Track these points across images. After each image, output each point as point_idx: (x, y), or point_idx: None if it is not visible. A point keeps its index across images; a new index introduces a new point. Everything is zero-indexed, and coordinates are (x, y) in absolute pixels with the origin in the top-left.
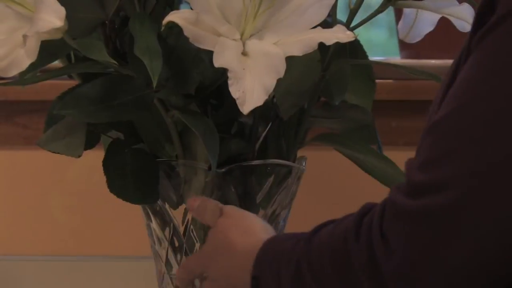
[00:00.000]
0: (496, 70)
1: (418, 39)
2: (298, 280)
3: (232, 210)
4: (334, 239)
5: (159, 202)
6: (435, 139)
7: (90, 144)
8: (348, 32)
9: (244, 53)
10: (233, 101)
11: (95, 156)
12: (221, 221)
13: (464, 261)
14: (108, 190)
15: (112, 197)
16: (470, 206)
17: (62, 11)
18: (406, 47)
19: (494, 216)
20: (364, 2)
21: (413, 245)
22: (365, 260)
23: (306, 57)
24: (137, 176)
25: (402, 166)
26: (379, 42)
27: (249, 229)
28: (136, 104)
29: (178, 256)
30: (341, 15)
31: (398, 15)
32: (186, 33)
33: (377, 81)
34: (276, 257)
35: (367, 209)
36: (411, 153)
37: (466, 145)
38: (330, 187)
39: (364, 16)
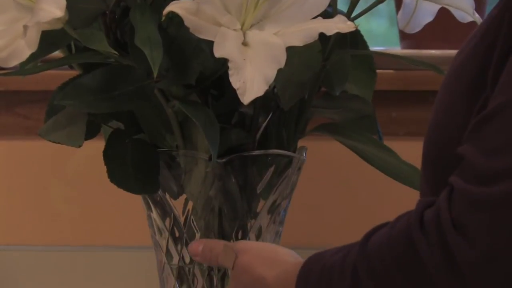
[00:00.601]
0: None
1: (417, 29)
2: None
3: (246, 245)
4: (394, 239)
5: (160, 192)
6: (500, 125)
7: (90, 134)
8: (349, 22)
9: (244, 44)
10: (233, 92)
11: (96, 146)
12: (239, 260)
13: None
14: (108, 180)
15: (113, 187)
16: None
17: (62, 1)
18: (406, 37)
19: None
20: None
21: (497, 232)
22: (438, 254)
23: (307, 47)
24: (137, 166)
25: (402, 156)
26: (380, 32)
27: (274, 258)
28: (137, 95)
29: (179, 246)
30: (342, 6)
31: (399, 5)
32: (186, 23)
33: (377, 71)
34: (325, 272)
35: (424, 206)
36: (411, 143)
37: None
38: (331, 177)
39: (365, 6)
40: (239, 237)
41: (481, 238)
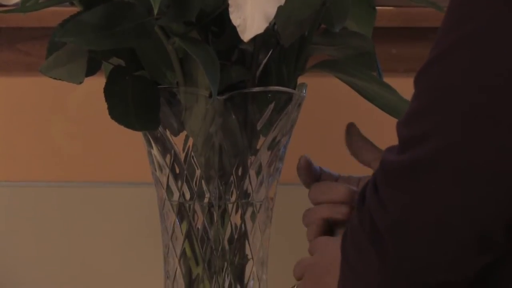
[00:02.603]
0: (462, 19)
1: None
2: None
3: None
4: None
5: (160, 129)
6: (415, 92)
7: (91, 70)
8: None
9: None
10: (234, 29)
11: (97, 83)
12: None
13: (448, 210)
14: (109, 116)
15: (114, 123)
16: (449, 154)
17: None
18: None
19: (473, 163)
20: None
21: (401, 199)
22: (366, 220)
23: None
24: (138, 102)
25: (402, 93)
26: None
27: None
28: (137, 32)
29: (179, 183)
30: None
31: None
32: None
33: (377, 8)
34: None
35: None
36: (411, 80)
37: (440, 96)
38: (330, 113)
39: None
40: (239, 173)
41: (391, 206)
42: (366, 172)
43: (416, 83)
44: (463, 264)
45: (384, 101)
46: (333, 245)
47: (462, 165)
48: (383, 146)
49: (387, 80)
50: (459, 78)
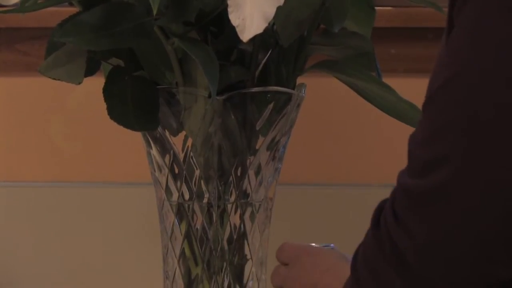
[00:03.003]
0: (477, 36)
1: None
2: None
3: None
4: (366, 235)
5: (159, 129)
6: (431, 113)
7: (90, 71)
8: None
9: None
10: (233, 29)
11: (96, 83)
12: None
13: (478, 232)
14: (108, 116)
15: (113, 123)
16: (471, 174)
17: None
18: None
19: (495, 182)
20: None
21: (431, 225)
22: (387, 247)
23: None
24: (137, 103)
25: (401, 93)
26: None
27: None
28: (136, 32)
29: (178, 183)
30: None
31: None
32: None
33: (376, 8)
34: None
35: (385, 201)
36: (410, 80)
37: (458, 116)
38: (329, 114)
39: None
40: (239, 173)
41: (417, 231)
42: (365, 171)
43: (427, 104)
44: (493, 278)
45: (383, 101)
46: (311, 259)
47: (485, 183)
48: (382, 145)
49: (386, 80)
50: (471, 95)
